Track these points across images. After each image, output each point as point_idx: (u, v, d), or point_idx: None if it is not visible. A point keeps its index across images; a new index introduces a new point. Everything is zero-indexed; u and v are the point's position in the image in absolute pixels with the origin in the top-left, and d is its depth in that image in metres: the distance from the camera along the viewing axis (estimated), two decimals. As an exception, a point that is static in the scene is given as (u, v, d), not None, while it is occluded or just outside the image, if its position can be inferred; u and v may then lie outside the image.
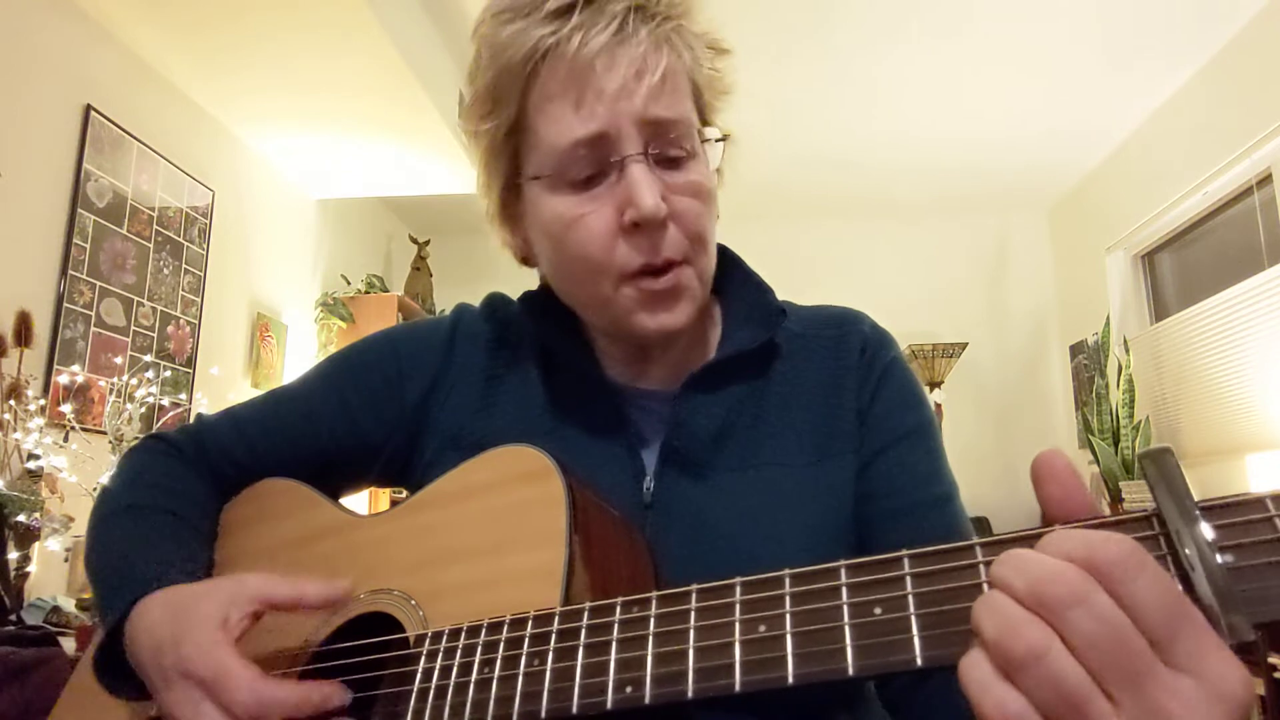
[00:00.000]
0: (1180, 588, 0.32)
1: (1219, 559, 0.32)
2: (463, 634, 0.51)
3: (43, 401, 2.30)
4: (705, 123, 0.64)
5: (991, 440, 4.57)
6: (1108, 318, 3.96)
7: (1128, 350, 3.86)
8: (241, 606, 0.54)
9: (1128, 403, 3.63)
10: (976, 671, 0.32)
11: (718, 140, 0.64)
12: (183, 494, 0.71)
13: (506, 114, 0.62)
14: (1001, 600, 0.32)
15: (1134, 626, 0.30)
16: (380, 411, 0.73)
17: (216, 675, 0.50)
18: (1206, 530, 0.33)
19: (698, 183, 0.61)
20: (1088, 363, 4.25)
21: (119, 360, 2.69)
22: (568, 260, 0.63)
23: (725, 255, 0.75)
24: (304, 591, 0.55)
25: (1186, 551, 0.32)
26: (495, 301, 0.78)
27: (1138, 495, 3.48)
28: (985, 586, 0.35)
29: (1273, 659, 2.40)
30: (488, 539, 0.57)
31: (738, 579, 0.42)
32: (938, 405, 4.24)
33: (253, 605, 0.54)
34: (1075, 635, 0.30)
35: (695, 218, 0.61)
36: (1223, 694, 0.30)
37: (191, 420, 0.78)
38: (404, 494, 0.69)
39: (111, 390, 2.61)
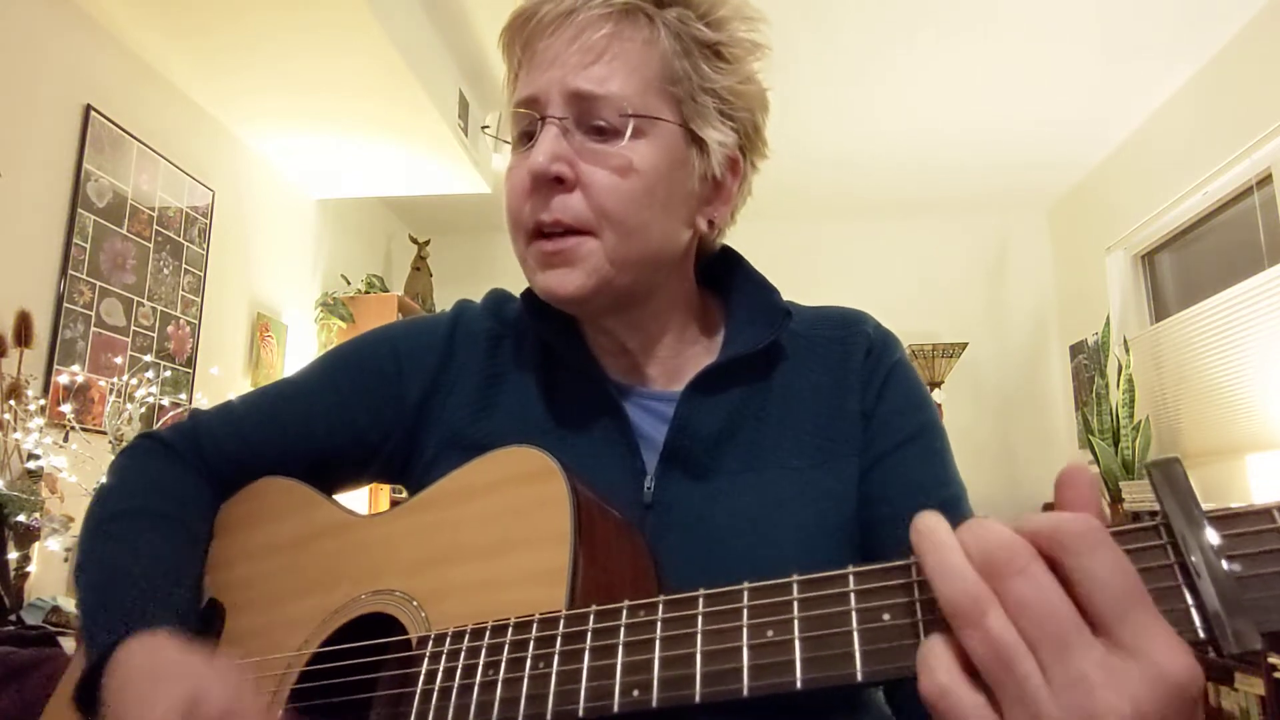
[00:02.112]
0: (1189, 602, 0.33)
1: (1225, 565, 0.32)
2: (466, 636, 0.51)
3: (43, 401, 2.30)
4: (685, 119, 0.64)
5: (991, 440, 4.57)
6: (1108, 318, 3.96)
7: (1128, 350, 3.86)
8: (202, 709, 0.52)
9: (1128, 403, 3.63)
10: (932, 657, 0.35)
11: (678, 125, 0.63)
12: (175, 497, 0.70)
13: (512, 76, 0.67)
14: (956, 559, 0.35)
15: (1066, 598, 0.32)
16: (379, 410, 0.72)
17: None
18: (1213, 537, 0.33)
19: (618, 158, 0.61)
20: (1088, 363, 4.25)
21: (119, 360, 2.68)
22: (505, 215, 0.66)
23: (728, 256, 0.75)
24: None
25: (1192, 558, 0.33)
26: (497, 298, 0.77)
27: (1138, 495, 3.48)
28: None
29: (1273, 659, 2.40)
30: (491, 540, 0.57)
31: (745, 584, 0.42)
32: (938, 405, 4.23)
33: (217, 711, 0.52)
34: (1011, 600, 0.33)
35: (604, 191, 0.61)
36: (1162, 678, 0.30)
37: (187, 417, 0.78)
38: (404, 493, 0.69)
39: (111, 390, 2.61)
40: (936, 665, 0.34)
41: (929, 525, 0.36)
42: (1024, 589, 0.32)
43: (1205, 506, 0.33)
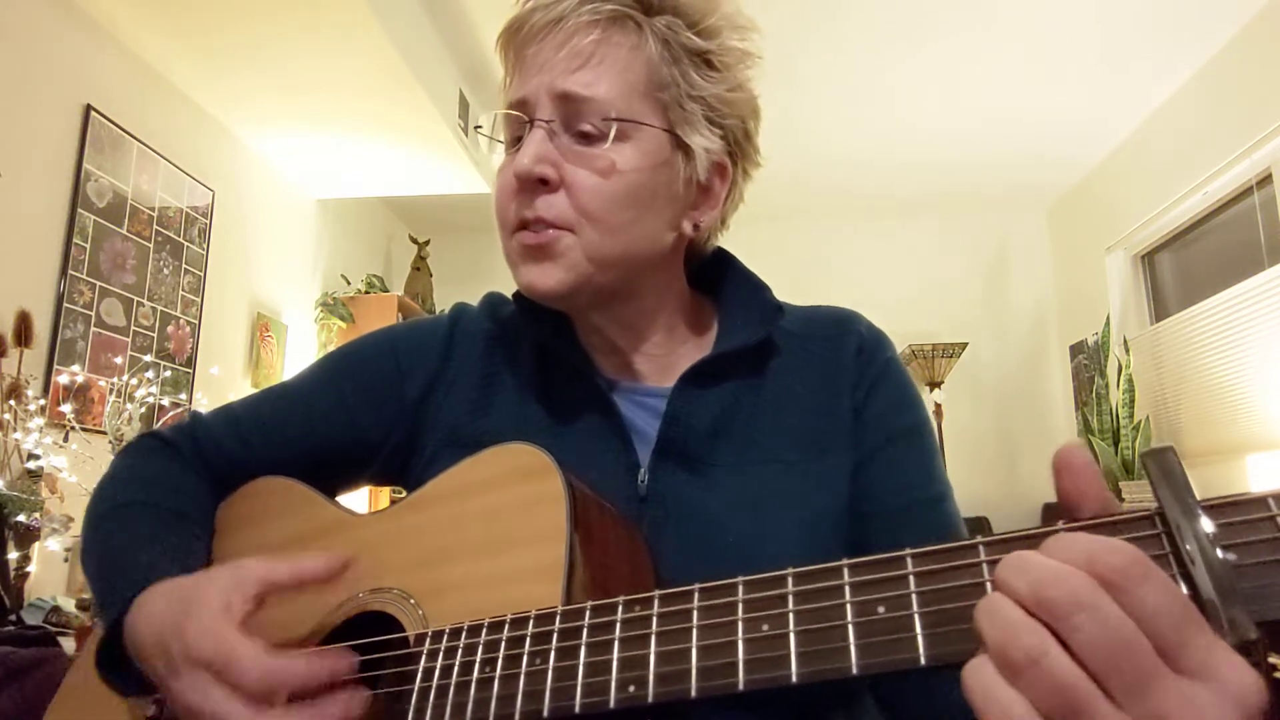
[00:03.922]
0: (1186, 594, 0.32)
1: (1220, 553, 0.32)
2: (463, 633, 0.51)
3: (43, 401, 2.30)
4: (670, 124, 0.64)
5: (991, 440, 4.57)
6: (1108, 318, 3.96)
7: (1128, 350, 3.86)
8: (244, 590, 0.53)
9: (1128, 403, 3.63)
10: (980, 676, 0.32)
11: (663, 130, 0.64)
12: (178, 491, 0.71)
13: (506, 82, 0.68)
14: (1001, 603, 0.32)
15: (1139, 632, 0.30)
16: (379, 410, 0.73)
17: (223, 656, 0.49)
18: (1207, 524, 0.32)
19: (602, 160, 0.62)
20: (1088, 363, 4.25)
21: (119, 360, 2.68)
22: (494, 214, 0.67)
23: (720, 257, 0.76)
24: (303, 567, 0.55)
25: (1187, 547, 0.32)
26: (494, 300, 0.78)
27: (1138, 495, 3.48)
28: (989, 586, 0.35)
29: (1273, 659, 2.40)
30: (487, 537, 0.57)
31: (740, 578, 0.42)
32: (937, 405, 4.24)
33: (255, 588, 0.54)
34: (1079, 640, 0.30)
35: (586, 191, 0.62)
36: (1235, 699, 0.30)
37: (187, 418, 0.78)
38: (404, 494, 0.69)
39: (111, 390, 2.61)
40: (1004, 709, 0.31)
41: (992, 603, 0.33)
42: (1091, 627, 0.30)
43: (1200, 497, 0.33)
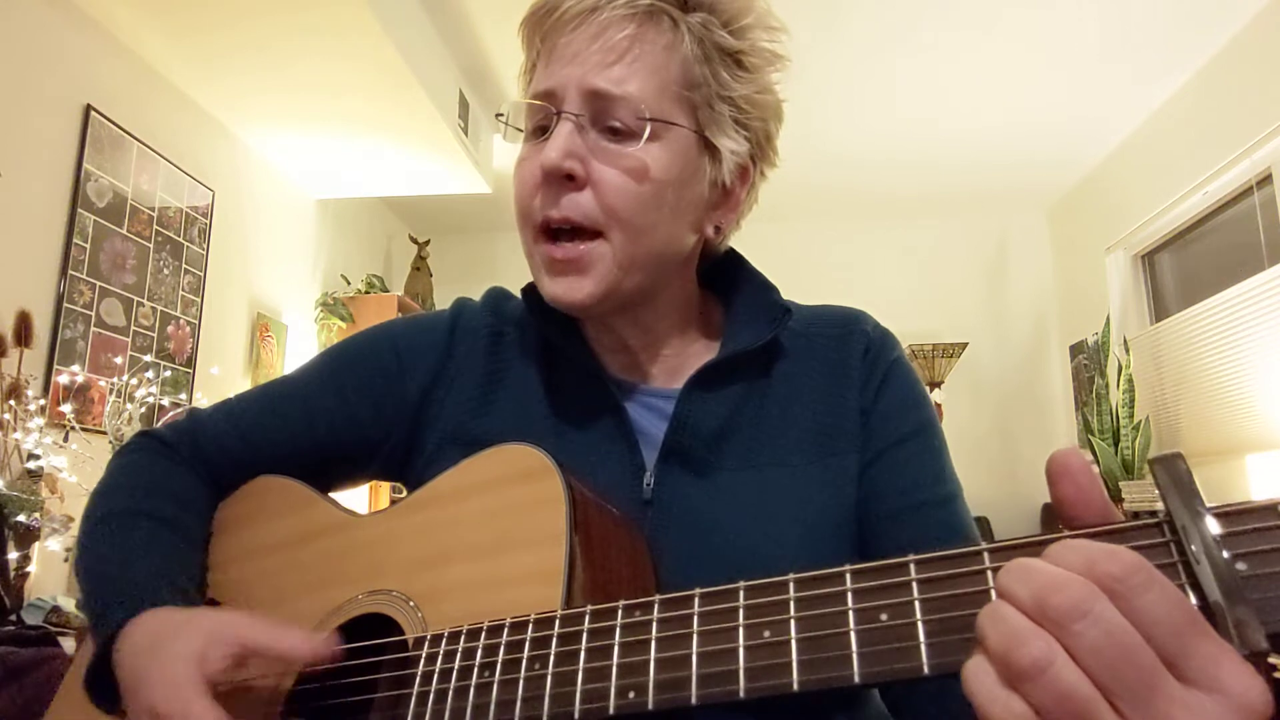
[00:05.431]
0: (1193, 601, 0.31)
1: (1226, 554, 0.31)
2: (462, 637, 0.51)
3: (43, 401, 2.29)
4: (700, 126, 0.63)
5: (991, 440, 4.56)
6: (1108, 318, 3.95)
7: (1128, 350, 3.86)
8: (221, 646, 0.53)
9: (1128, 403, 3.63)
10: (981, 680, 0.32)
11: (693, 132, 0.63)
12: (175, 496, 0.70)
13: (529, 67, 0.68)
14: (1006, 610, 0.32)
15: (1142, 640, 0.30)
16: (380, 407, 0.72)
17: (181, 717, 0.49)
18: (1214, 526, 0.32)
19: (632, 159, 0.61)
20: (1088, 363, 4.25)
21: (119, 360, 2.68)
22: (514, 205, 0.66)
23: (730, 258, 0.76)
24: (288, 643, 0.54)
25: (1193, 547, 0.32)
26: (496, 296, 0.77)
27: (1138, 495, 3.48)
28: (993, 594, 0.35)
29: (1273, 659, 2.40)
30: (487, 539, 0.56)
31: (741, 583, 0.42)
32: (938, 405, 4.23)
33: (233, 647, 0.53)
34: (1081, 647, 0.30)
35: (615, 191, 0.61)
36: (1241, 709, 0.29)
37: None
38: (404, 492, 0.69)
39: (111, 390, 2.61)
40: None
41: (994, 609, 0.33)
42: (1093, 635, 0.30)
43: (1208, 503, 0.33)
